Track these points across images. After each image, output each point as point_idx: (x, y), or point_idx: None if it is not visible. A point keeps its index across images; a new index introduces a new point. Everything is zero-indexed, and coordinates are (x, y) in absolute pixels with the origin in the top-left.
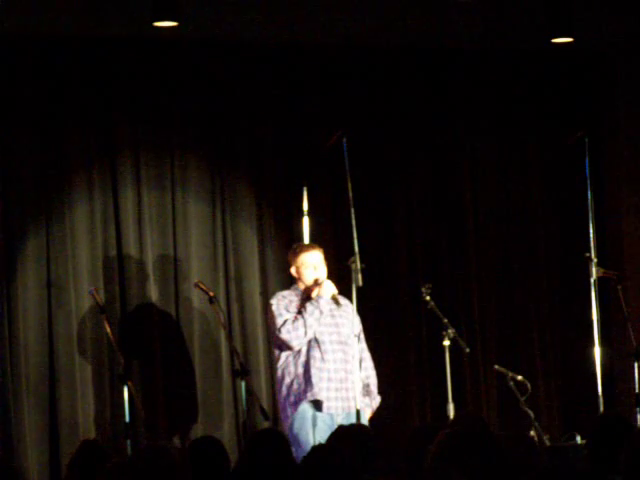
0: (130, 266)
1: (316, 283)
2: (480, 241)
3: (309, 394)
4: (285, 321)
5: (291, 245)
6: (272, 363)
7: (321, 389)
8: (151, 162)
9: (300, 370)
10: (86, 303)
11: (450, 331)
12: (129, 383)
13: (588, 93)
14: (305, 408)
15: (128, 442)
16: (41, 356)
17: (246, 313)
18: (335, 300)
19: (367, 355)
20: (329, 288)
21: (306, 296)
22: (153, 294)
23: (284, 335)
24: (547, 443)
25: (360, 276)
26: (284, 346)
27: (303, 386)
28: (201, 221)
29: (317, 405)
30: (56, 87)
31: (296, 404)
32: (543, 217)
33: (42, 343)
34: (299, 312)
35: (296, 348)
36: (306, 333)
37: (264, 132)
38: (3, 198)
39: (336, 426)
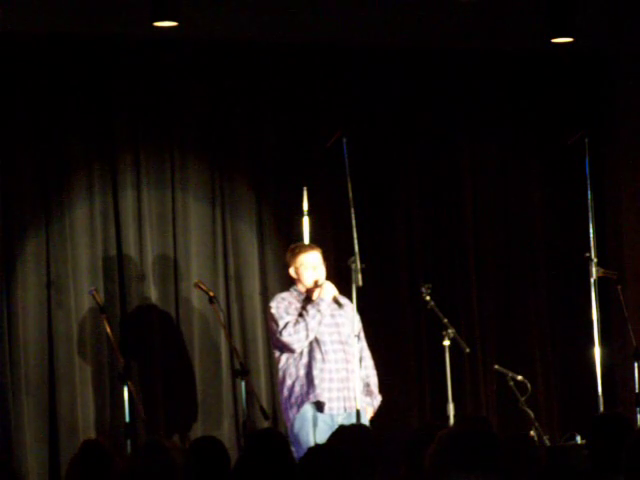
0: (130, 266)
1: (316, 285)
2: (480, 241)
3: (311, 396)
4: (286, 324)
5: (290, 245)
6: (272, 363)
7: (323, 390)
8: (151, 162)
9: (301, 372)
10: (86, 303)
11: (450, 331)
12: (129, 383)
13: (588, 93)
14: (306, 409)
15: (128, 442)
16: (41, 356)
17: (246, 313)
18: (336, 302)
19: (367, 354)
20: (330, 290)
21: (307, 297)
22: (153, 294)
23: (285, 338)
24: (547, 443)
25: (360, 276)
26: (285, 349)
27: (305, 388)
28: (201, 221)
29: (319, 406)
30: (56, 86)
31: (298, 406)
32: (543, 217)
33: (42, 343)
34: (300, 314)
35: (297, 351)
36: (307, 336)
37: (264, 132)
38: (3, 198)
39: (337, 426)
